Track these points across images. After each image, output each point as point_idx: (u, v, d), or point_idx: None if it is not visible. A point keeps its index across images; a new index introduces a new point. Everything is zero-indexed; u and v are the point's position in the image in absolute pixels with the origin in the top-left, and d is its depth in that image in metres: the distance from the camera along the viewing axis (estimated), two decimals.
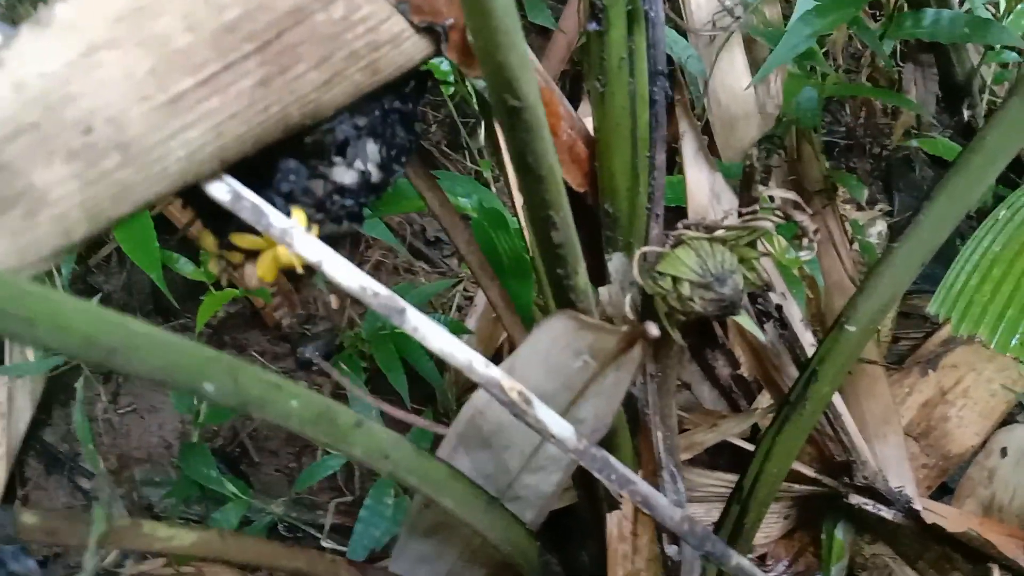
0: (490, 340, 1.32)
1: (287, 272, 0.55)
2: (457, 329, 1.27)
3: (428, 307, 1.40)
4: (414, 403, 1.28)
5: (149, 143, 0.39)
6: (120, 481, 1.24)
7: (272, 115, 0.45)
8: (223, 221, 0.52)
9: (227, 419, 1.28)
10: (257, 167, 0.49)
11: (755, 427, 1.01)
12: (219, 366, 0.42)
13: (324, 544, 1.18)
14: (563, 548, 1.06)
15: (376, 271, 1.49)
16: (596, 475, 0.59)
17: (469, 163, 1.55)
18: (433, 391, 1.29)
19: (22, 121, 0.35)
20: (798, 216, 0.58)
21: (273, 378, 0.46)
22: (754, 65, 1.30)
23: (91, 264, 1.40)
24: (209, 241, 0.51)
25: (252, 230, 0.52)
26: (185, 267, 1.20)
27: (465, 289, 1.45)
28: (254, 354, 1.41)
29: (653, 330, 0.53)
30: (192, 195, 0.47)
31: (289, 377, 1.39)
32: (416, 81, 0.58)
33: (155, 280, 1.03)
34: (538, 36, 1.55)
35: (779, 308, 0.76)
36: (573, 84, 1.51)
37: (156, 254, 1.03)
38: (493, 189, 1.37)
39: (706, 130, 1.29)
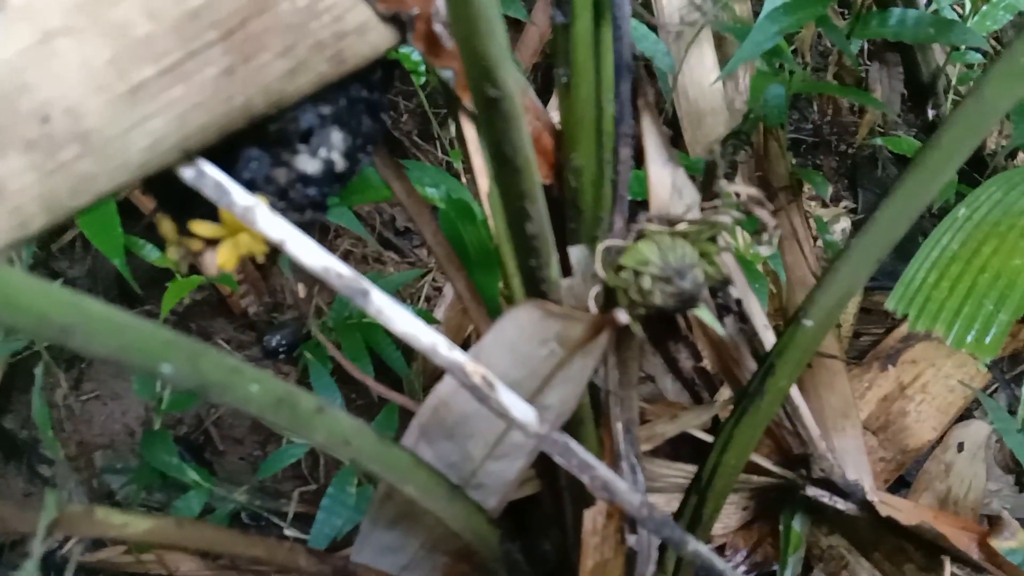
0: (458, 330, 1.32)
1: (254, 260, 0.55)
2: (425, 319, 1.27)
3: (396, 297, 1.40)
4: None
5: (109, 133, 0.38)
6: (81, 468, 1.23)
7: (236, 104, 0.45)
8: (183, 207, 0.52)
9: (191, 406, 1.27)
10: (218, 154, 0.49)
11: (716, 419, 1.02)
12: (178, 349, 0.42)
13: (287, 533, 1.18)
14: (525, 536, 1.07)
15: (345, 260, 1.48)
16: (557, 460, 0.59)
17: (440, 153, 1.55)
18: (400, 380, 1.29)
19: None
20: (758, 211, 0.59)
21: (233, 363, 0.46)
22: (724, 61, 1.32)
23: (54, 249, 1.38)
24: (168, 228, 0.51)
25: (211, 216, 0.52)
26: (151, 253, 1.19)
27: (434, 280, 1.45)
28: (220, 342, 1.40)
29: (622, 317, 0.54)
30: (152, 179, 0.47)
31: (256, 365, 1.40)
32: (383, 70, 0.59)
33: (118, 267, 1.02)
34: (510, 28, 1.55)
35: (739, 302, 0.77)
36: (545, 77, 1.52)
37: (119, 240, 1.03)
38: (464, 180, 1.38)
39: (675, 125, 1.30)
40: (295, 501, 1.22)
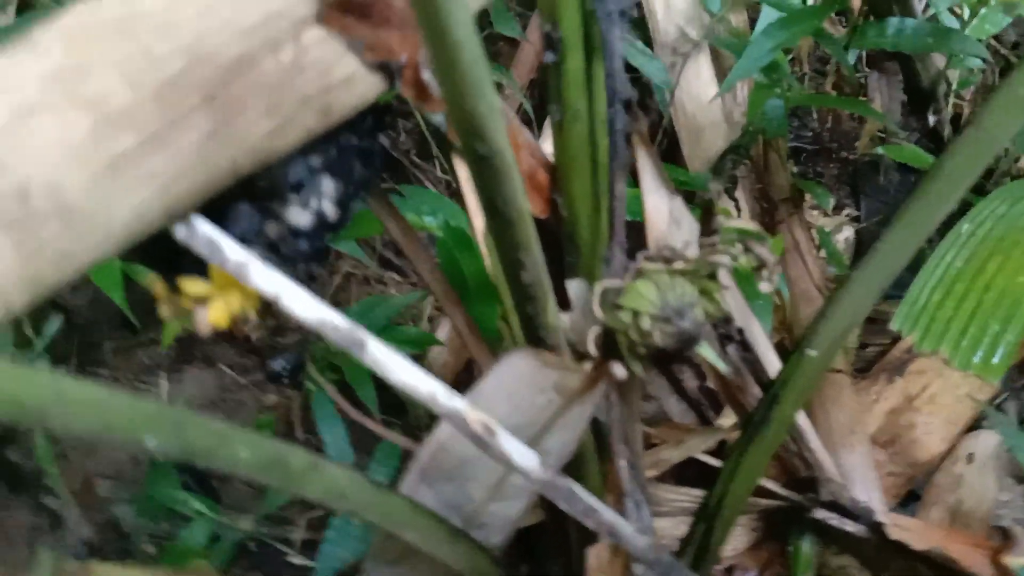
0: (461, 351, 1.31)
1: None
2: (428, 341, 1.26)
3: (398, 319, 1.40)
4: (384, 414, 1.27)
5: (91, 208, 0.38)
6: (87, 500, 1.22)
7: (221, 167, 0.44)
8: (171, 264, 0.51)
9: None
10: (207, 211, 0.49)
11: (722, 440, 1.01)
12: (161, 420, 0.41)
13: (294, 560, 1.18)
14: (533, 561, 1.07)
15: (346, 282, 1.48)
16: (561, 506, 0.59)
17: (440, 172, 1.54)
18: (403, 401, 1.28)
19: None
20: (758, 248, 0.58)
21: (220, 428, 0.45)
22: (721, 73, 1.31)
23: None
24: (158, 286, 0.50)
25: (201, 272, 0.51)
26: None
27: (436, 300, 1.44)
28: (223, 368, 1.40)
29: (619, 371, 0.53)
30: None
31: (259, 390, 1.39)
32: (373, 116, 0.58)
33: (117, 302, 1.02)
34: (506, 44, 1.55)
35: (741, 331, 0.76)
36: (542, 94, 1.51)
37: (118, 274, 1.02)
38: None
39: (673, 140, 1.30)
40: (302, 528, 1.21)
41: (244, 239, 0.51)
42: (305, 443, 1.31)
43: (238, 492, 1.31)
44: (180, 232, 0.47)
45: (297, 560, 1.19)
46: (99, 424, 0.39)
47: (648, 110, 1.34)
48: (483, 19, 1.39)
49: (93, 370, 1.35)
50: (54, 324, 1.07)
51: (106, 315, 1.39)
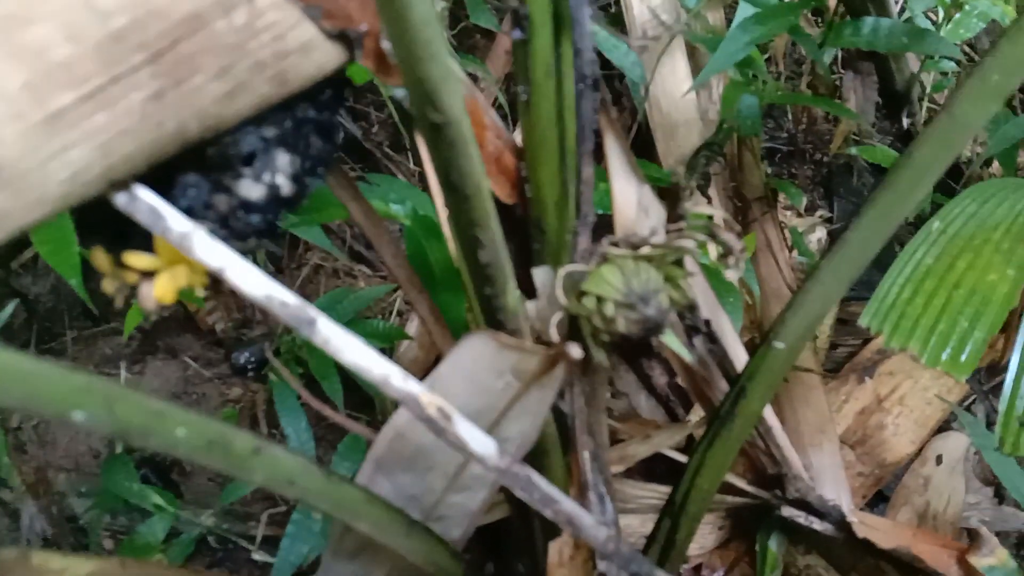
0: (431, 346, 1.30)
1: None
2: (397, 335, 1.24)
3: (367, 312, 1.38)
4: (351, 409, 1.25)
5: (25, 166, 0.36)
6: (44, 493, 1.19)
7: (167, 131, 0.42)
8: (115, 236, 0.49)
9: None
10: (154, 182, 0.47)
11: (691, 437, 1.00)
12: (91, 394, 0.39)
13: (255, 556, 1.15)
14: (499, 558, 1.05)
15: (315, 275, 1.46)
16: (518, 494, 0.57)
17: (412, 164, 1.52)
18: (370, 397, 1.26)
19: None
20: (723, 235, 0.57)
21: (156, 405, 0.43)
22: (697, 70, 1.30)
23: (15, 266, 1.34)
24: (102, 259, 0.48)
25: (148, 246, 0.49)
26: None
27: (402, 289, 1.42)
28: (187, 360, 1.37)
29: (575, 352, 0.52)
30: (83, 206, 0.44)
31: (224, 383, 1.37)
32: (332, 89, 0.56)
33: (75, 287, 0.99)
34: (483, 38, 1.53)
35: (708, 322, 0.75)
36: None
37: (76, 259, 0.99)
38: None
39: (647, 136, 1.29)
40: (263, 523, 1.19)
41: (192, 211, 0.49)
42: (269, 438, 1.29)
43: (200, 487, 1.28)
44: (121, 200, 0.45)
45: (258, 556, 1.16)
46: (23, 395, 0.37)
47: (622, 106, 1.33)
48: (460, 11, 1.37)
49: (52, 359, 1.32)
50: (8, 309, 1.05)
51: (67, 303, 1.36)
